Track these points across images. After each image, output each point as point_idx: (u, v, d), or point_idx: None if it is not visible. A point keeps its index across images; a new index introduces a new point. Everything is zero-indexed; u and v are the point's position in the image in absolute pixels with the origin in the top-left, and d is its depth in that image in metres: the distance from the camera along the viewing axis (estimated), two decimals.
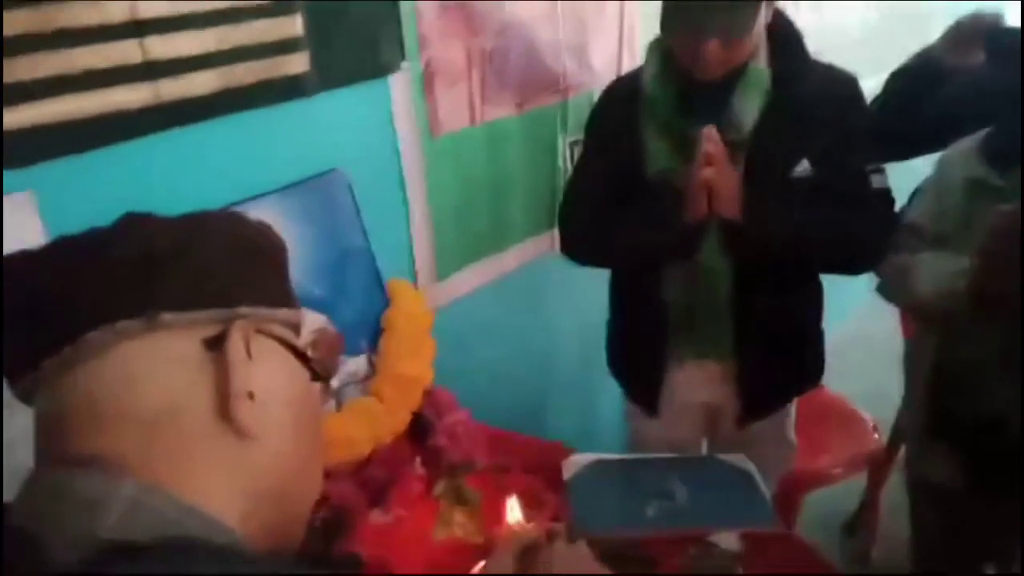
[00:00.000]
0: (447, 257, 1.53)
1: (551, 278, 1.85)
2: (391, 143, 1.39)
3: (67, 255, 0.48)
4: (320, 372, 0.57)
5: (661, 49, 1.40)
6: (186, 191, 1.01)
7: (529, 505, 1.23)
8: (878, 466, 2.20)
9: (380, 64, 1.29)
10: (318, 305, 1.27)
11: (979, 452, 1.42)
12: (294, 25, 1.14)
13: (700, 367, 1.56)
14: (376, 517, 1.18)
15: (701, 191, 1.31)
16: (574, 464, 1.37)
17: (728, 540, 1.15)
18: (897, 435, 2.14)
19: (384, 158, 1.39)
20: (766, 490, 1.35)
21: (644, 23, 1.81)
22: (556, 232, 1.75)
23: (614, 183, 1.46)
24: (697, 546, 1.16)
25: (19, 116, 0.90)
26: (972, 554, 1.61)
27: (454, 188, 1.51)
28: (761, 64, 1.36)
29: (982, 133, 1.41)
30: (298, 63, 1.16)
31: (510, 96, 1.57)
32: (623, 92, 1.48)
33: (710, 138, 1.29)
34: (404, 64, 1.34)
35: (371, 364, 1.34)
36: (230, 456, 0.48)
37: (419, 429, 1.32)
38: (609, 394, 1.69)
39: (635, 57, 1.78)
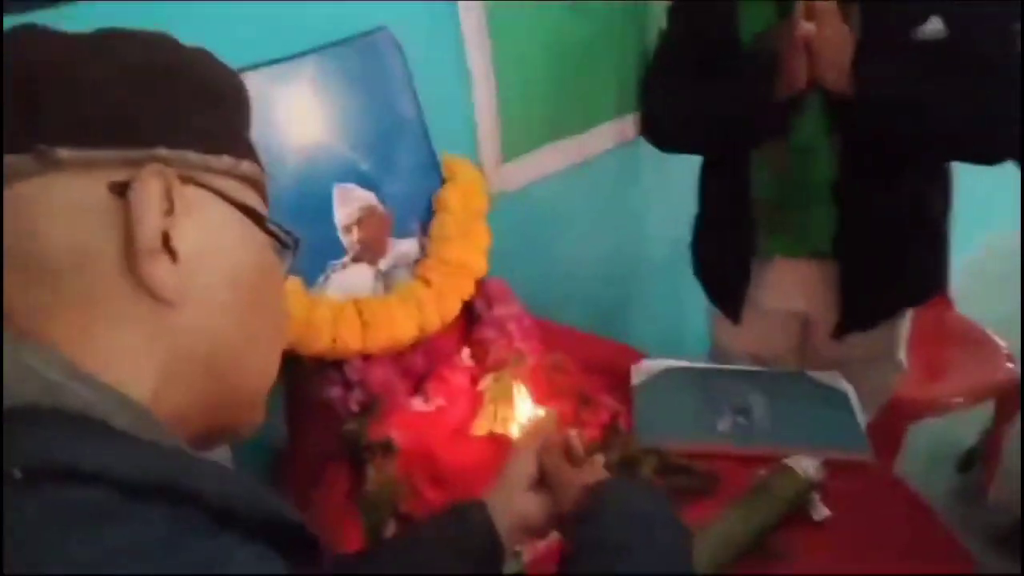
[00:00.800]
0: (515, 136, 1.38)
1: (636, 166, 1.67)
2: (450, 1, 1.23)
3: None
4: (285, 241, 0.48)
5: None
6: (212, 46, 0.92)
7: (582, 407, 1.13)
8: (1008, 397, 1.93)
9: None
10: (365, 180, 1.17)
11: None
12: None
13: (792, 267, 1.37)
14: (416, 405, 1.11)
15: (800, 53, 1.08)
16: (643, 370, 1.25)
17: (808, 466, 1.00)
18: None
19: (440, 17, 1.24)
20: (862, 415, 1.18)
21: None
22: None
23: (701, 53, 1.24)
24: (770, 468, 1.02)
25: None
26: None
27: (525, 56, 1.33)
28: None
29: None
30: None
31: None
32: None
33: None
34: None
35: (422, 247, 1.24)
36: (145, 320, 0.40)
37: (469, 319, 1.23)
38: (695, 301, 1.53)
39: None
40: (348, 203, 1.16)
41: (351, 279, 1.16)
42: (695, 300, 1.52)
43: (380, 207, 1.19)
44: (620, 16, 1.46)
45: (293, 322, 1.04)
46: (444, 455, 1.05)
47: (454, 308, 1.20)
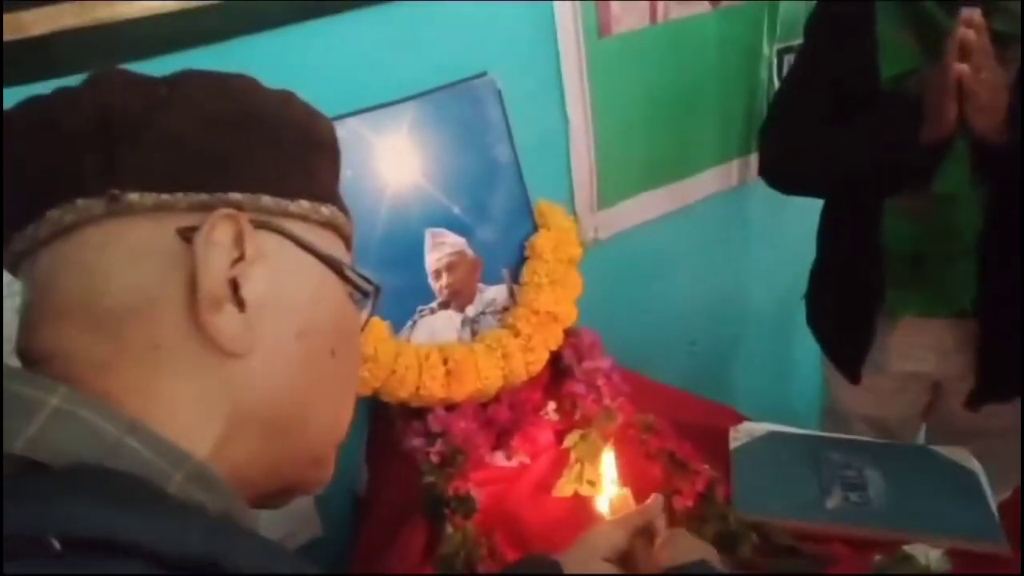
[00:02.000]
0: (612, 182, 1.34)
1: (740, 214, 1.58)
2: (551, 44, 1.21)
3: (31, 117, 0.40)
4: (365, 290, 0.46)
5: None
6: (314, 92, 0.94)
7: (674, 472, 1.05)
8: None
9: None
10: (457, 225, 1.16)
11: None
12: None
13: (923, 327, 1.25)
14: (498, 460, 1.07)
15: (951, 95, 0.99)
16: (744, 432, 1.16)
17: (931, 554, 0.89)
18: None
19: (543, 62, 1.22)
20: (994, 497, 1.04)
21: None
22: (751, 159, 1.47)
23: (837, 93, 1.17)
24: (886, 555, 0.91)
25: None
26: None
27: (625, 101, 1.30)
28: None
29: None
30: None
31: None
32: None
33: (971, 23, 0.96)
34: None
35: (512, 295, 1.21)
36: (209, 371, 0.38)
37: (557, 372, 1.18)
38: (805, 359, 1.41)
39: None
40: (439, 248, 1.15)
41: (438, 325, 1.15)
42: (805, 358, 1.41)
43: (470, 253, 1.17)
44: (724, 58, 1.40)
45: (378, 368, 1.03)
46: (525, 515, 0.99)
47: (542, 359, 1.16)
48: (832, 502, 1.04)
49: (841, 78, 1.17)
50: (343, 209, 0.47)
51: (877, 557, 0.91)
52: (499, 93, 1.18)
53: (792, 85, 1.30)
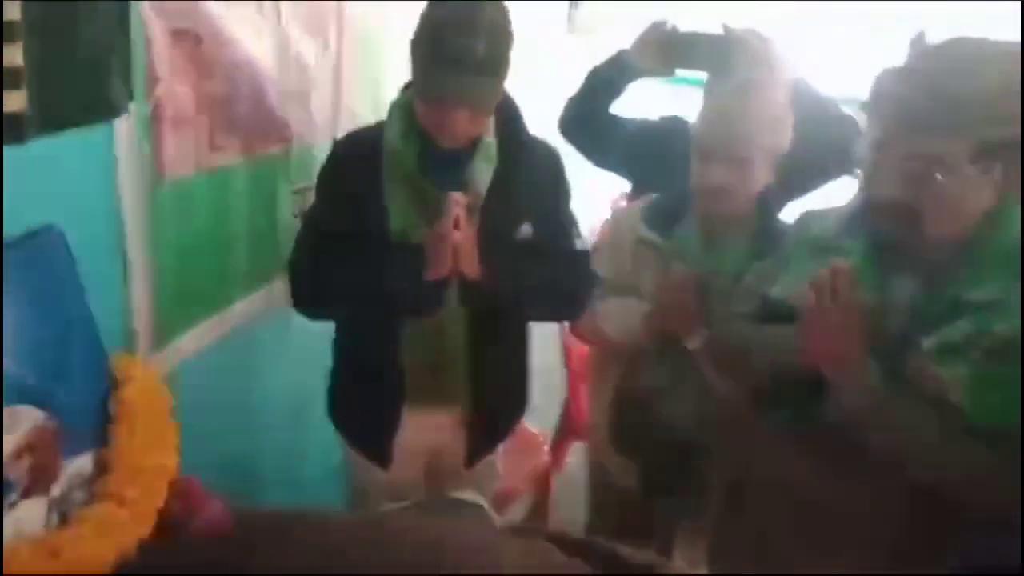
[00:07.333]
0: (170, 320, 1.34)
1: (272, 333, 1.75)
2: (113, 193, 1.17)
3: None
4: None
5: (406, 110, 1.46)
6: None
7: None
8: (546, 477, 2.54)
9: (107, 105, 1.09)
10: (34, 395, 1.01)
11: (653, 460, 1.77)
12: (14, 55, 0.90)
13: (430, 415, 1.64)
14: None
15: (447, 251, 1.39)
16: None
17: None
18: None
19: (105, 211, 1.17)
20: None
21: (361, 83, 1.84)
22: (273, 286, 1.67)
23: (351, 236, 1.46)
24: None
25: None
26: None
27: (178, 242, 1.33)
28: (490, 136, 1.51)
29: (649, 198, 1.76)
30: (15, 101, 0.92)
31: (238, 142, 1.44)
32: (362, 147, 1.51)
33: (459, 203, 1.39)
34: (131, 106, 1.15)
35: (96, 461, 1.11)
36: None
37: (166, 529, 1.14)
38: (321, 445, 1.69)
39: (352, 113, 1.78)
40: (15, 427, 0.99)
41: (24, 518, 0.98)
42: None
43: (51, 424, 1.04)
44: (259, 198, 1.56)
45: None
46: None
47: (151, 521, 1.10)
48: None
49: (353, 225, 1.48)
50: None
51: None
52: (66, 246, 1.08)
53: (311, 228, 1.56)
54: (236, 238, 1.51)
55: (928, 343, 1.12)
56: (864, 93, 1.18)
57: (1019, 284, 1.08)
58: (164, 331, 1.33)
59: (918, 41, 1.13)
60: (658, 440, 1.71)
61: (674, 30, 1.90)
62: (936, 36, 1.13)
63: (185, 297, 1.37)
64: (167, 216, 1.30)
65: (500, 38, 1.36)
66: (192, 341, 1.41)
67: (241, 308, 1.55)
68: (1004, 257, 1.11)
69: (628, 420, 1.78)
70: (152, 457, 1.13)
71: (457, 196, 1.39)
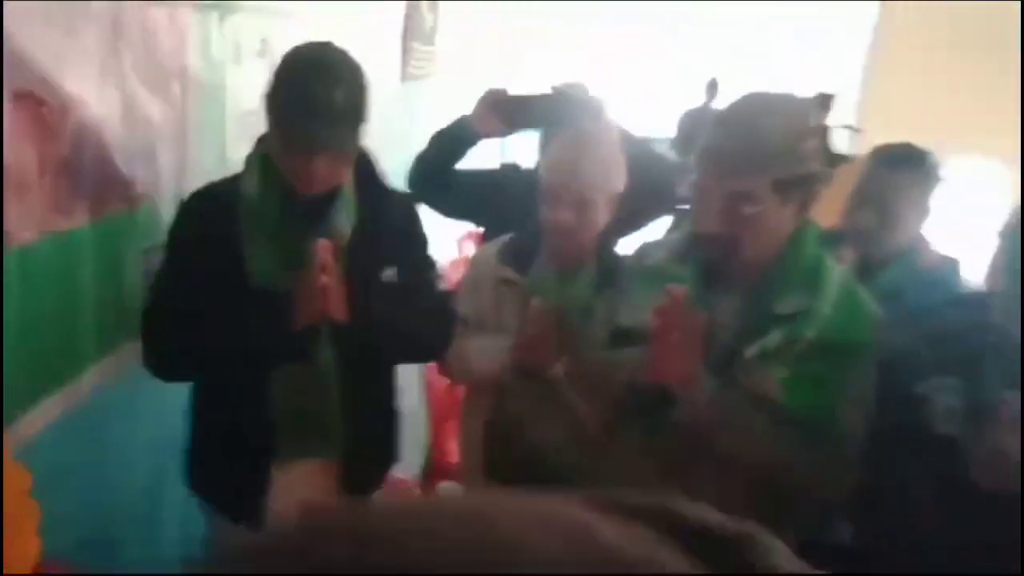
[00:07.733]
0: (16, 396, 1.25)
1: (124, 399, 1.65)
2: None
3: None
4: None
5: (264, 160, 1.48)
6: None
7: None
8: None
9: None
10: None
11: (523, 483, 1.87)
12: None
13: (300, 469, 1.63)
14: None
15: (317, 297, 1.42)
16: None
17: None
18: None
19: None
20: None
21: (206, 138, 1.81)
22: (124, 349, 1.59)
23: (207, 290, 1.45)
24: None
25: None
26: None
27: (22, 311, 1.25)
28: (348, 183, 1.56)
29: (505, 238, 1.88)
30: None
31: (84, 204, 1.38)
32: (216, 200, 1.50)
33: (326, 249, 1.42)
34: None
35: None
36: None
37: None
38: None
39: (199, 169, 1.75)
40: None
41: None
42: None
43: None
44: (102, 260, 1.49)
45: None
46: None
47: None
48: None
49: (209, 279, 1.46)
50: None
51: None
52: None
53: (164, 286, 1.51)
54: (84, 303, 1.44)
55: (750, 352, 1.32)
56: (667, 131, 1.39)
57: (820, 294, 1.31)
58: (11, 406, 1.24)
59: (712, 87, 1.36)
60: (530, 465, 1.81)
61: (507, 94, 2.08)
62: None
63: (32, 369, 1.29)
64: (12, 284, 1.22)
65: (357, 86, 1.43)
66: (42, 415, 1.32)
67: (91, 376, 1.47)
68: (805, 272, 1.34)
69: (500, 449, 1.87)
70: (13, 546, 1.06)
71: (324, 242, 1.42)
